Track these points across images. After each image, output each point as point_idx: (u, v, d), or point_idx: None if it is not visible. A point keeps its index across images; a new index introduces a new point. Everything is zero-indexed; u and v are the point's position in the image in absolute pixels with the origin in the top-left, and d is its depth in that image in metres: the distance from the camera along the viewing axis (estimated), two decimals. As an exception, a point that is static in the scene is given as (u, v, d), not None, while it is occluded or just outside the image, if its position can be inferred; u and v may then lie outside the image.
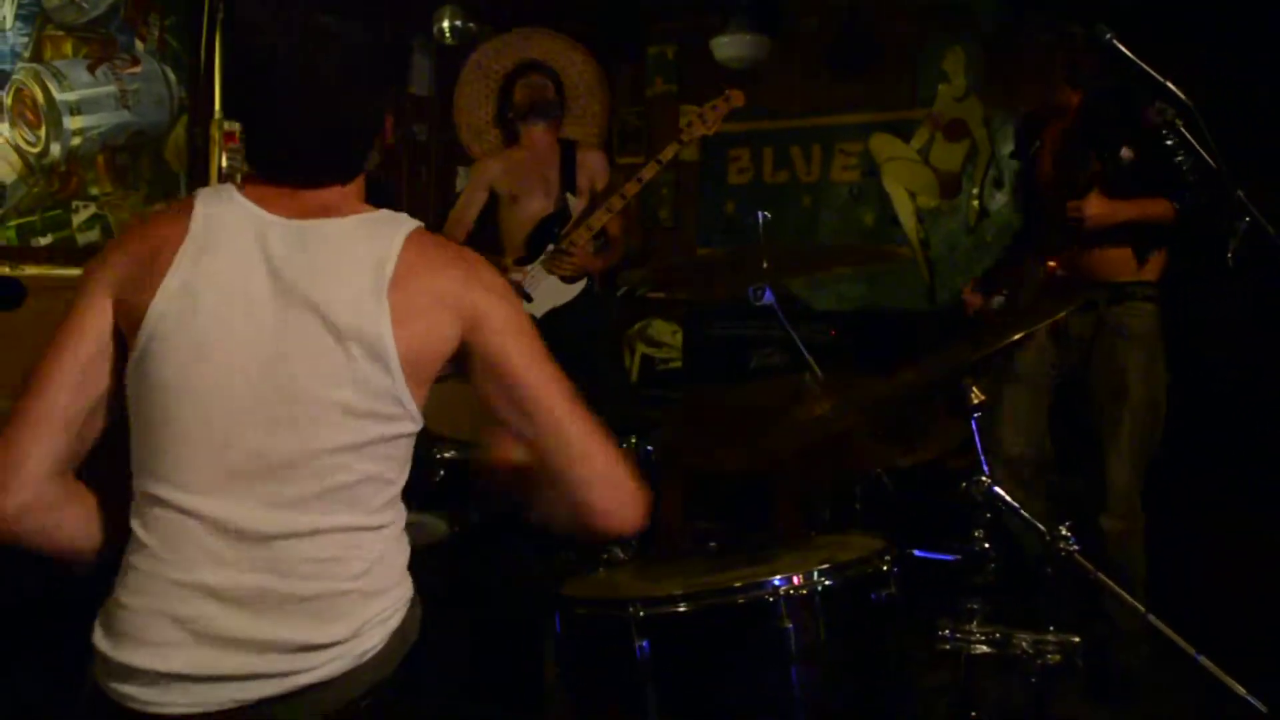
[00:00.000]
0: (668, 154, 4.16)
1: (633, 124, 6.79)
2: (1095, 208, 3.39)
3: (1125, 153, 3.35)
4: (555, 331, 4.19)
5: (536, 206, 4.42)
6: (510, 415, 1.68)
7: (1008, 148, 5.72)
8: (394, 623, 1.69)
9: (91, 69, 4.55)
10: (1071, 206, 3.40)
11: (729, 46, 5.99)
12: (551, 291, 4.33)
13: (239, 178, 4.75)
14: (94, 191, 4.60)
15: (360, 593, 1.65)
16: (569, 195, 4.42)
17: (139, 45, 4.73)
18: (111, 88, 4.61)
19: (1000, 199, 5.74)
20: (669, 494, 4.54)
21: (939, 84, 5.90)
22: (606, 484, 1.66)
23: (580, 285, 4.36)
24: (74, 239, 4.53)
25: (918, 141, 5.96)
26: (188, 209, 1.66)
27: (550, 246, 4.33)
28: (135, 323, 1.60)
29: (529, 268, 4.33)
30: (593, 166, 4.50)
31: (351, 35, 1.66)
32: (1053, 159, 3.66)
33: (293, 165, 1.68)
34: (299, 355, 1.59)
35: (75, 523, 1.69)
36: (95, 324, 1.65)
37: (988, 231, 5.79)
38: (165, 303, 1.60)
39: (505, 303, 1.69)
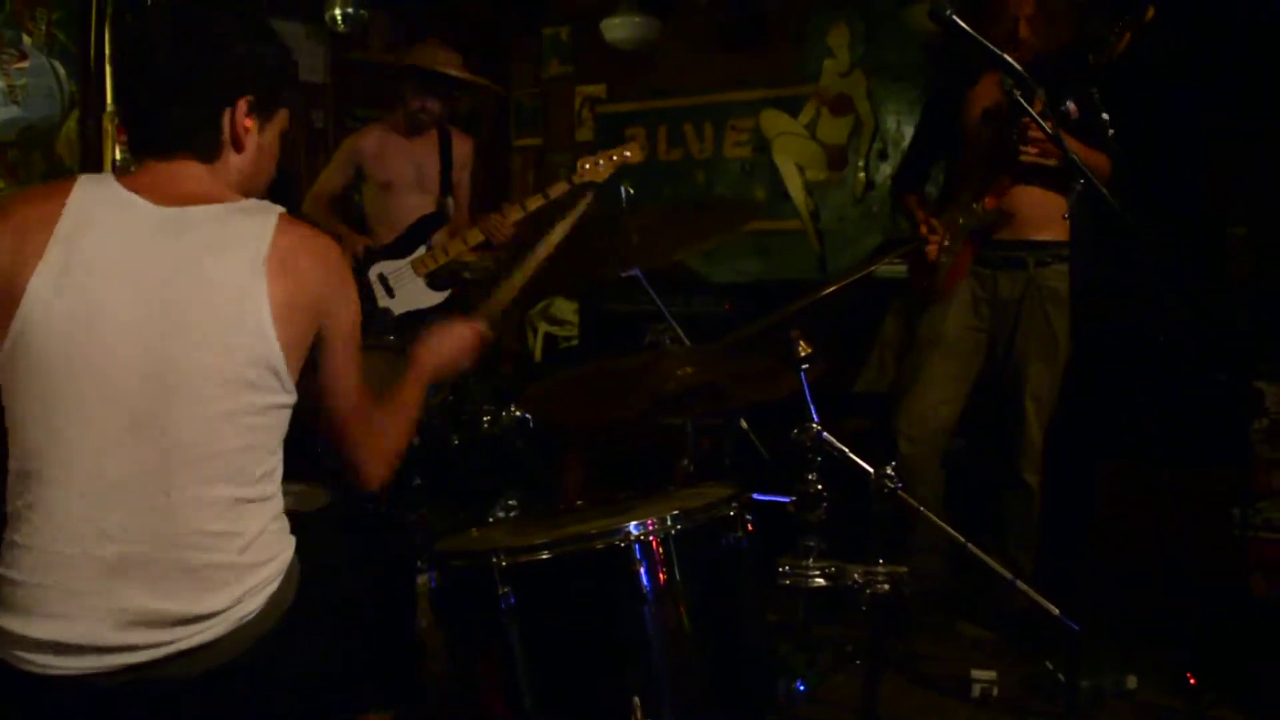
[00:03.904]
0: (556, 190, 4.23)
1: (529, 105, 6.90)
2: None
3: (1070, 106, 3.36)
4: (412, 332, 4.25)
5: (413, 201, 4.41)
6: (314, 386, 1.90)
7: (891, 121, 5.93)
8: (272, 588, 1.81)
9: (-23, 65, 4.57)
10: (1035, 127, 3.29)
11: (619, 28, 6.11)
12: (416, 293, 4.33)
13: (133, 169, 4.81)
14: (-15, 187, 4.62)
15: (243, 565, 1.76)
16: (449, 199, 4.43)
17: (26, 40, 4.74)
18: (-1, 83, 4.64)
19: (885, 170, 5.93)
20: (569, 462, 4.67)
21: (824, 60, 6.07)
22: (356, 458, 1.99)
23: (446, 294, 4.38)
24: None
25: (805, 116, 6.13)
26: (63, 190, 1.75)
27: (422, 249, 4.34)
28: (10, 302, 1.68)
29: (398, 263, 4.34)
30: (464, 154, 4.53)
31: (209, 24, 1.83)
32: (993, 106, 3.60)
33: (145, 134, 1.85)
34: (178, 328, 1.70)
35: None
36: None
37: (874, 202, 5.98)
38: (43, 283, 1.67)
39: (349, 307, 1.90)
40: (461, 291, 4.43)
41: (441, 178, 4.45)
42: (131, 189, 1.78)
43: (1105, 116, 3.38)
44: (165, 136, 1.82)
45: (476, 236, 4.26)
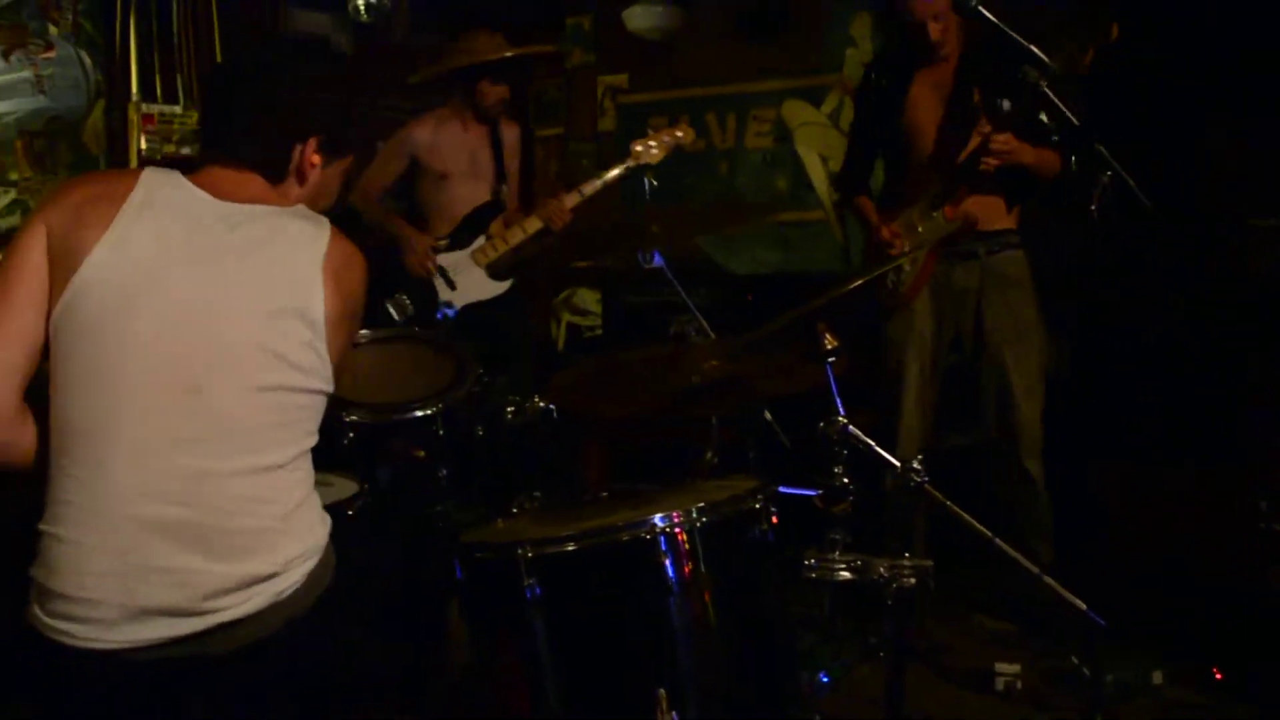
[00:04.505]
0: (613, 174, 4.22)
1: (552, 95, 6.89)
2: (1014, 143, 3.42)
3: (1004, 104, 3.43)
4: (472, 323, 4.17)
5: (468, 191, 4.38)
6: None
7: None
8: (310, 565, 1.86)
9: (5, 55, 4.59)
10: (1001, 139, 3.41)
11: (641, 17, 6.09)
12: (477, 284, 4.29)
13: (159, 159, 4.84)
14: (13, 177, 4.66)
15: (281, 532, 1.82)
16: (503, 186, 4.42)
17: (52, 30, 4.77)
18: (26, 73, 4.65)
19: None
20: (590, 453, 4.68)
21: (847, 49, 6.03)
22: None
23: (507, 284, 4.34)
24: (-5, 224, 4.58)
25: (828, 106, 6.09)
26: (136, 173, 1.86)
27: (482, 239, 4.31)
28: (70, 266, 1.76)
29: (459, 255, 4.30)
30: (513, 141, 4.52)
31: (300, 64, 2.04)
32: (932, 109, 3.66)
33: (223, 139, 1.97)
34: (231, 304, 1.80)
35: (28, 441, 1.81)
36: (41, 258, 1.79)
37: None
38: (103, 250, 1.76)
39: (360, 313, 2.03)
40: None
41: (495, 165, 4.43)
42: (195, 184, 1.89)
43: (1045, 119, 3.45)
44: (240, 150, 1.95)
45: (535, 224, 4.23)
